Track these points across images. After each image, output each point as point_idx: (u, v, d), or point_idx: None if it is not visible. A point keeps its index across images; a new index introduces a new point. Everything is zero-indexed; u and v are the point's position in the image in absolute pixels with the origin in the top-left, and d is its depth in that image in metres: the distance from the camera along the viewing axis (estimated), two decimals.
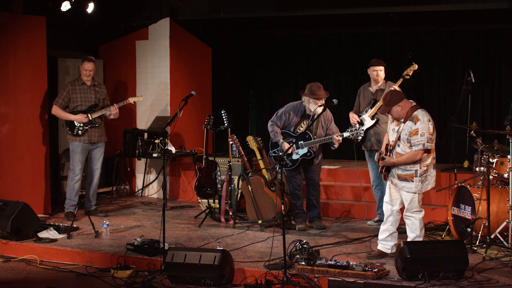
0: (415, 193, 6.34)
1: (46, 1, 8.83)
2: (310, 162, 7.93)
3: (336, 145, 7.79)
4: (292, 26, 11.86)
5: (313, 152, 7.84)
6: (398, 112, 6.31)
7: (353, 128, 7.68)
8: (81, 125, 8.53)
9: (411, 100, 6.41)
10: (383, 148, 6.56)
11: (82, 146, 8.58)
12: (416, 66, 7.96)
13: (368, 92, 8.10)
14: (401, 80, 7.89)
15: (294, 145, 7.79)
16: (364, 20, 10.79)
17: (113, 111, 8.68)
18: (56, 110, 8.63)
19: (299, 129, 7.90)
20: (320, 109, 7.54)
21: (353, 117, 8.10)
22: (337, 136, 7.69)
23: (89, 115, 8.54)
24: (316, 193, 8.13)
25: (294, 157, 7.85)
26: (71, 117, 8.56)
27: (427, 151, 6.25)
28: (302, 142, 7.81)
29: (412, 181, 6.31)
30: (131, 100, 8.94)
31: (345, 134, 7.70)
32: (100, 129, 8.69)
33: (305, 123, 7.88)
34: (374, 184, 8.12)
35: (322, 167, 9.90)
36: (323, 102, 7.74)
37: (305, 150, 7.82)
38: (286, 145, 7.82)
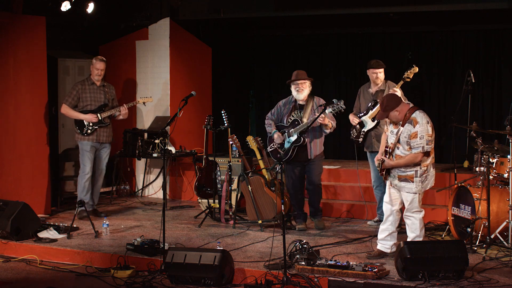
0: (416, 193, 6.34)
1: (46, 1, 8.83)
2: (304, 155, 7.78)
3: (327, 131, 7.70)
4: (292, 26, 11.86)
5: (304, 138, 7.71)
6: (396, 117, 6.31)
7: (334, 104, 7.55)
8: (91, 124, 8.55)
9: (408, 102, 6.40)
10: (381, 150, 6.57)
11: (91, 145, 8.62)
12: (416, 69, 7.91)
13: (368, 93, 8.08)
14: (401, 82, 7.86)
15: (286, 134, 7.76)
16: (364, 20, 10.79)
17: (122, 111, 8.71)
18: (66, 109, 8.64)
19: (290, 119, 7.87)
20: (301, 96, 7.73)
21: (353, 120, 8.09)
22: (321, 117, 7.57)
23: (98, 114, 8.56)
24: (316, 197, 8.06)
25: (286, 145, 7.80)
26: (81, 116, 8.58)
27: (427, 153, 6.25)
28: (292, 129, 7.79)
29: (413, 182, 6.31)
30: (140, 100, 9.02)
31: (327, 111, 7.57)
32: (108, 129, 8.72)
33: (296, 112, 7.86)
34: (375, 185, 8.11)
35: (322, 167, 9.92)
36: (303, 87, 7.70)
37: (295, 136, 7.75)
38: (276, 135, 7.83)
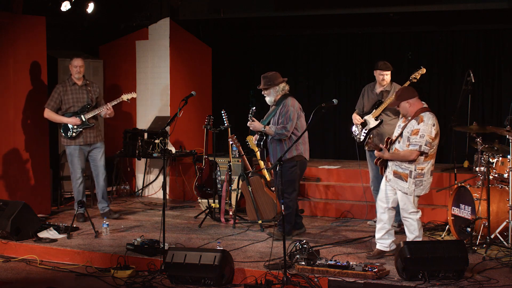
0: (407, 193, 6.33)
1: (46, 1, 8.83)
2: (273, 161, 7.51)
3: (269, 136, 7.39)
4: (292, 26, 11.86)
5: (264, 135, 7.48)
6: (406, 108, 6.32)
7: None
8: (75, 127, 8.33)
9: (423, 102, 6.40)
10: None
11: (79, 148, 8.40)
12: (424, 70, 7.86)
13: (373, 93, 8.05)
14: (408, 83, 7.81)
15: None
16: (364, 20, 10.79)
17: (107, 111, 8.41)
18: (49, 113, 8.40)
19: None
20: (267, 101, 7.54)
21: (355, 118, 8.08)
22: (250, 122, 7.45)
23: (82, 116, 8.33)
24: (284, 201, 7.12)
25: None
26: (63, 120, 8.33)
27: (423, 154, 6.24)
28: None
29: (406, 181, 6.31)
30: (124, 97, 8.54)
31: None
32: (95, 130, 8.46)
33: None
34: (373, 185, 8.11)
35: (322, 167, 9.93)
36: (265, 93, 7.51)
37: (257, 136, 7.60)
38: (254, 136, 7.72)
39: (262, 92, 7.59)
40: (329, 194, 9.36)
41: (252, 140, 8.15)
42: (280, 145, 7.43)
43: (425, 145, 6.19)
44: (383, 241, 6.62)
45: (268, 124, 7.54)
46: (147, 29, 10.59)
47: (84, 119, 8.35)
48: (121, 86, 10.71)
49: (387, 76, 7.93)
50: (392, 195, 6.50)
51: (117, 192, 10.38)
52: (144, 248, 6.78)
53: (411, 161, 6.25)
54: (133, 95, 8.73)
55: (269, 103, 7.64)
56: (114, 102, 8.53)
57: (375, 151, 6.48)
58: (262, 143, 7.56)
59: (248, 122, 7.53)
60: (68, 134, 8.36)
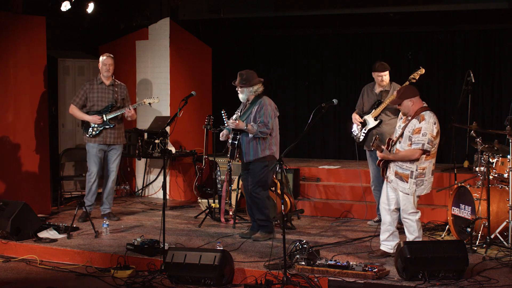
0: (408, 194, 6.32)
1: (46, 1, 8.83)
2: (242, 156, 7.43)
3: (250, 135, 7.25)
4: (292, 26, 11.86)
5: (238, 139, 7.37)
6: (408, 107, 6.32)
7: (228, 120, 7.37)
8: (96, 126, 8.33)
9: (423, 102, 6.41)
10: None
11: (98, 147, 8.37)
12: (423, 70, 7.87)
13: (373, 93, 8.07)
14: (407, 83, 7.83)
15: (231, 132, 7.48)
16: (364, 20, 10.79)
17: (128, 113, 8.39)
18: (73, 110, 8.44)
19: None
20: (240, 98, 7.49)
21: (355, 118, 8.09)
22: (232, 122, 7.33)
23: (103, 115, 8.31)
24: (254, 209, 7.45)
25: (230, 144, 7.52)
26: (85, 117, 8.36)
27: (426, 152, 6.24)
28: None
29: (407, 182, 6.30)
30: (146, 101, 8.62)
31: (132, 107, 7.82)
32: (116, 131, 8.41)
33: (240, 110, 7.60)
34: (373, 185, 8.11)
35: (322, 167, 9.93)
36: (238, 90, 7.48)
37: (231, 136, 7.50)
38: (224, 132, 7.57)
39: (236, 89, 7.54)
40: (329, 194, 9.36)
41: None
42: (254, 144, 7.32)
43: (428, 143, 6.19)
44: (388, 243, 6.60)
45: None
46: (147, 29, 10.59)
47: (105, 119, 8.33)
48: None
49: (385, 76, 7.94)
50: (394, 197, 6.49)
51: (117, 192, 10.37)
52: (144, 248, 6.78)
53: (413, 161, 6.25)
54: (156, 100, 8.70)
55: (241, 100, 7.58)
56: (136, 105, 8.58)
57: (378, 152, 6.47)
58: (236, 142, 7.42)
59: (231, 121, 7.37)
60: (89, 132, 8.36)
